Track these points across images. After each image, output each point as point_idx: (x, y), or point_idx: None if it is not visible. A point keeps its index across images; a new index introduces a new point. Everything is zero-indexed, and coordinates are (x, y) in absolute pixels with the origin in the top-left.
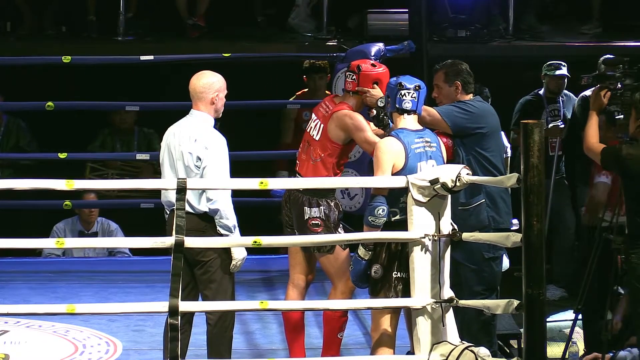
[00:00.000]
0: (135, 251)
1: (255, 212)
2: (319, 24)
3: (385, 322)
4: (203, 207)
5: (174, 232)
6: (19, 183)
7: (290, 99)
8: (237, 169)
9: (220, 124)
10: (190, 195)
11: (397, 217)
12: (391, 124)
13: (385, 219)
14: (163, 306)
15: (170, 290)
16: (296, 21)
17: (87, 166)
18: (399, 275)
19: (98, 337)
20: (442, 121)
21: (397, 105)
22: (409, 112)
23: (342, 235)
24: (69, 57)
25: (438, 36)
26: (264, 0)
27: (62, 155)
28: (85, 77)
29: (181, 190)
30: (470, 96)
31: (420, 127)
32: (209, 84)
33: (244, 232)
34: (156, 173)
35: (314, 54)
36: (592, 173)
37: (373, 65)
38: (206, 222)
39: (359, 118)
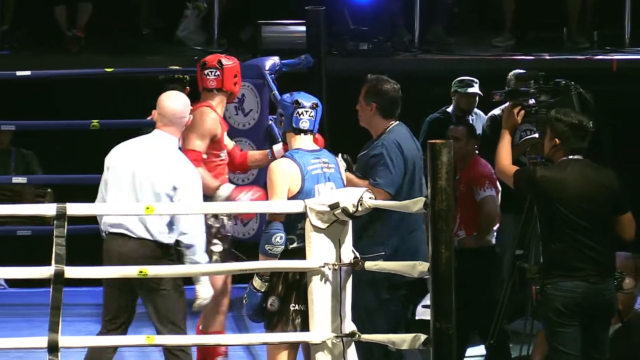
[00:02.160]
0: (11, 282)
1: None
2: (209, 36)
3: (282, 359)
4: (165, 237)
5: (53, 262)
6: None
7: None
8: None
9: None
10: (153, 222)
11: (295, 244)
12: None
13: (282, 247)
14: (42, 342)
15: (50, 324)
16: (185, 33)
17: None
18: (297, 307)
19: None
20: (386, 194)
21: (293, 125)
22: (305, 132)
23: (235, 265)
24: None
25: (338, 49)
26: (149, 11)
27: None
28: None
29: (61, 216)
30: (390, 122)
31: (317, 147)
32: (187, 108)
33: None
34: (37, 197)
35: None
36: (473, 190)
37: (228, 58)
38: (163, 251)
39: (205, 120)
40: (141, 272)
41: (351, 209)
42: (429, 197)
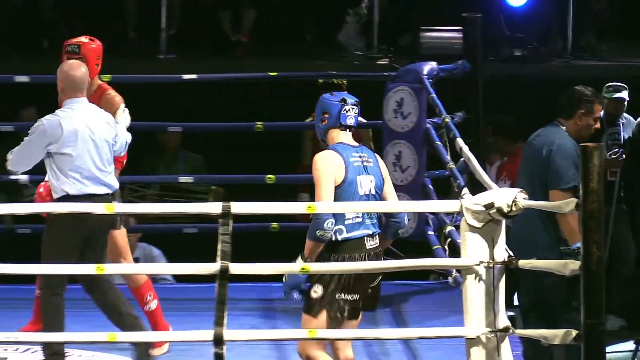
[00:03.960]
0: (178, 278)
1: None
2: (369, 42)
3: (314, 347)
4: None
5: (219, 258)
6: (59, 206)
7: (307, 120)
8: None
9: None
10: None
11: (344, 234)
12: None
13: (331, 233)
14: (207, 335)
15: (215, 318)
16: (345, 39)
17: (126, 188)
18: (344, 297)
19: None
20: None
21: (340, 122)
22: (350, 127)
23: (391, 263)
24: (109, 76)
25: (493, 55)
26: (312, 17)
27: None
28: (125, 96)
29: (226, 215)
30: None
31: (357, 143)
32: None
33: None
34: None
35: (364, 72)
36: None
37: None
38: None
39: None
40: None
41: (505, 209)
42: (581, 198)
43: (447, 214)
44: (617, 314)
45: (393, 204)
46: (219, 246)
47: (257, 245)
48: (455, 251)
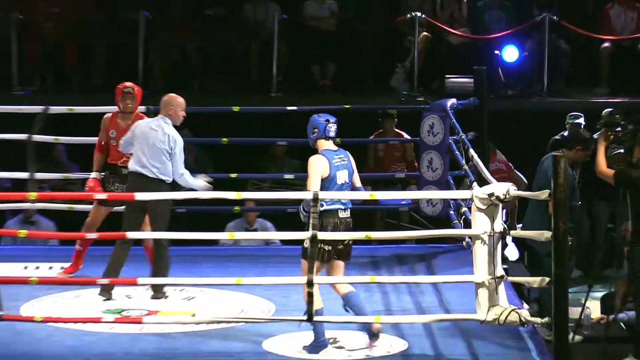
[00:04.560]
0: (284, 242)
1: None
2: (411, 85)
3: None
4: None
5: (310, 228)
6: (205, 194)
7: (370, 137)
8: None
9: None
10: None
11: (325, 207)
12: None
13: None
14: (303, 279)
15: (308, 268)
16: (395, 84)
17: (249, 182)
18: (325, 248)
19: (258, 301)
20: None
21: (325, 135)
22: (332, 138)
23: (425, 231)
24: (238, 107)
25: (494, 94)
26: (373, 68)
27: (233, 175)
28: (249, 121)
29: (315, 199)
30: None
31: (336, 148)
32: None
33: (359, 226)
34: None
35: (407, 106)
36: None
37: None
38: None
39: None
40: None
41: (502, 197)
42: (552, 190)
43: (463, 199)
44: (576, 267)
45: (429, 192)
46: (311, 221)
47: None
48: (467, 224)
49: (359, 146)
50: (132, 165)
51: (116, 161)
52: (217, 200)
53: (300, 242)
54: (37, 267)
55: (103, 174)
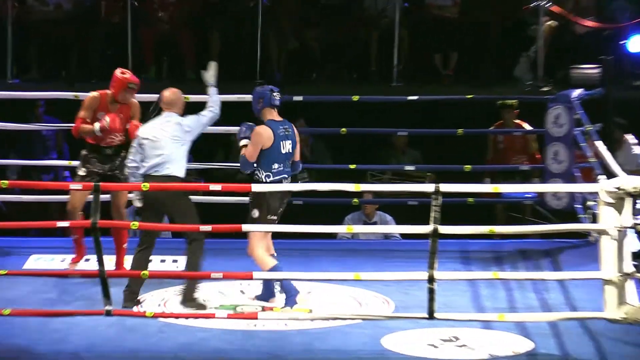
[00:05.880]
0: (404, 236)
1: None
2: (535, 75)
3: (260, 243)
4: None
5: (432, 222)
6: (321, 186)
7: (490, 128)
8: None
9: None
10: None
11: (272, 178)
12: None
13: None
14: (423, 275)
15: (429, 264)
16: (519, 73)
17: (368, 174)
18: (271, 217)
19: (376, 297)
20: None
21: (271, 103)
22: (277, 107)
23: (552, 226)
24: (357, 97)
25: (620, 84)
26: (496, 58)
27: (352, 166)
28: (369, 110)
29: (437, 192)
30: None
31: (281, 119)
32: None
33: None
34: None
35: (532, 96)
36: None
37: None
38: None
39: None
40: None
41: (631, 190)
42: None
43: (590, 193)
44: None
45: (556, 185)
46: (432, 214)
47: (458, 214)
48: (594, 218)
49: (479, 137)
50: (164, 170)
51: (99, 142)
52: (335, 192)
53: (423, 236)
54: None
55: (84, 152)
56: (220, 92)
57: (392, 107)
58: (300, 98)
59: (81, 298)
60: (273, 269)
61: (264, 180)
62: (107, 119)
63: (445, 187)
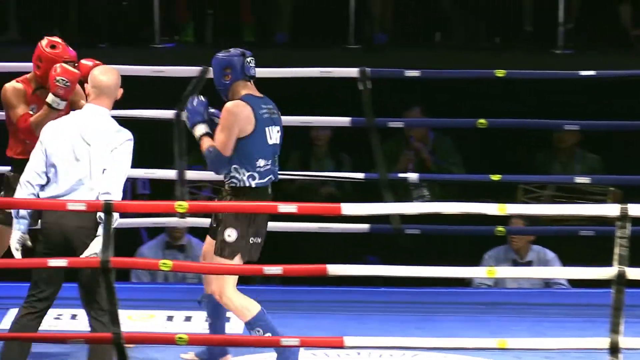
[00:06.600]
0: (573, 282)
1: None
2: None
3: (232, 283)
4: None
5: (615, 263)
6: (447, 207)
7: None
8: None
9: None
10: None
11: (257, 180)
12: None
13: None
14: (603, 342)
15: (611, 325)
16: None
17: (519, 188)
18: (254, 241)
19: None
20: None
21: (245, 72)
22: (253, 78)
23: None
24: (503, 71)
25: None
26: None
27: (495, 177)
28: (520, 92)
29: (624, 217)
30: None
31: (262, 95)
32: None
33: None
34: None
35: None
36: None
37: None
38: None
39: None
40: None
41: None
42: None
43: None
44: None
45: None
46: (616, 250)
47: None
48: None
49: None
50: None
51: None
52: (468, 216)
53: (603, 282)
54: (170, 318)
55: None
56: (294, 64)
57: (555, 86)
58: (416, 73)
59: None
60: (257, 318)
61: (246, 183)
62: (58, 68)
63: (637, 210)
